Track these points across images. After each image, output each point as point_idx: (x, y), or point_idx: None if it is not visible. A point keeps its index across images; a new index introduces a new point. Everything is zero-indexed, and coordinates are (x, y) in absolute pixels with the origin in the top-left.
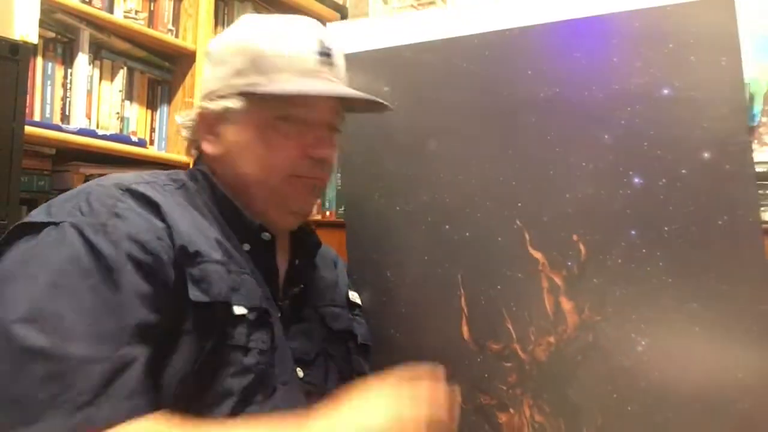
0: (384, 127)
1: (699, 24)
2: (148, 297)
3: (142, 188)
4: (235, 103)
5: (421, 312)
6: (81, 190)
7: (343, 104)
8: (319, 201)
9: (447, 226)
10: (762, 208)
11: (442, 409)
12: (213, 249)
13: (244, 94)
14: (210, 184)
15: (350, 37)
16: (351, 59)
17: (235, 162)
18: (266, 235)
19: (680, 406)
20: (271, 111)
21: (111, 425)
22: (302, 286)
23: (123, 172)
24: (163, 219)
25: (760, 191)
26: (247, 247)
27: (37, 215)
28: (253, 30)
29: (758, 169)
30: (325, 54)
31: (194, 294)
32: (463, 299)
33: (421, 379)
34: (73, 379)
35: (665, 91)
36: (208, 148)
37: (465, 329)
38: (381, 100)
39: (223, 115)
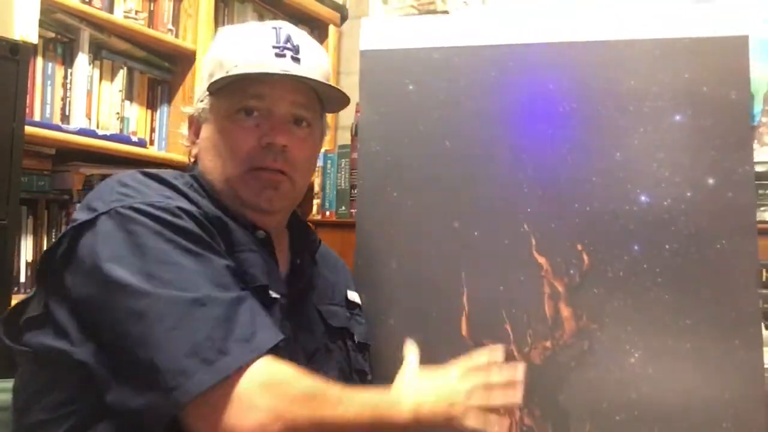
0: (405, 123)
1: (715, 58)
2: (220, 251)
3: (163, 175)
4: (205, 103)
5: (423, 304)
6: (110, 180)
7: (310, 99)
8: (318, 201)
9: (456, 224)
10: (762, 208)
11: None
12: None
13: (211, 93)
14: (202, 187)
15: (381, 34)
16: (378, 55)
17: (204, 159)
18: (260, 233)
19: (667, 420)
20: (231, 104)
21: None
22: (305, 280)
23: (123, 171)
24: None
25: (760, 191)
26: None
27: (81, 215)
28: (221, 37)
29: (758, 168)
30: (283, 48)
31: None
32: (465, 296)
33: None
34: (235, 316)
35: (677, 117)
36: (193, 150)
37: (464, 326)
38: (332, 84)
39: (201, 117)
